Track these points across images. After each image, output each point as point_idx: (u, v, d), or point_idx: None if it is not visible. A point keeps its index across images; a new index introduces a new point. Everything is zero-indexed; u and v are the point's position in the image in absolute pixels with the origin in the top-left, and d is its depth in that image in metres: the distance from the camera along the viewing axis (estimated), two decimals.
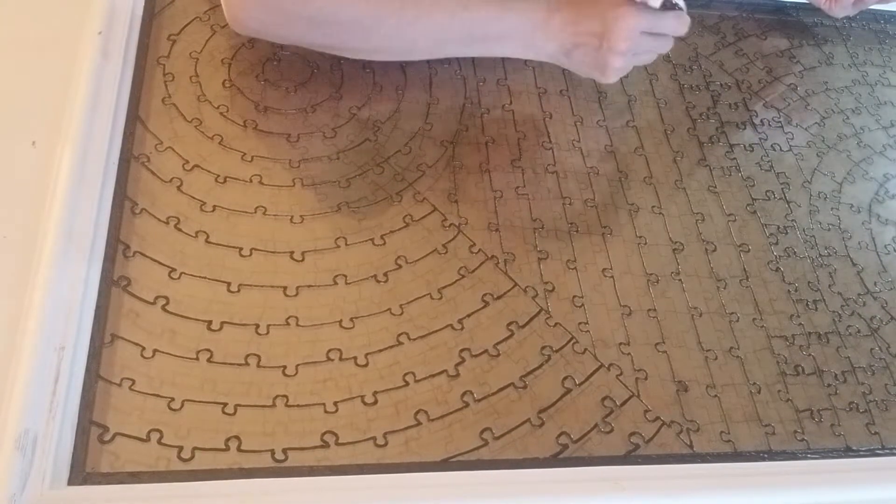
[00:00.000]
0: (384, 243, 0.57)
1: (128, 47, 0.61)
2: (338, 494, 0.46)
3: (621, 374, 0.54)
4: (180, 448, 0.46)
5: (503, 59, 0.69)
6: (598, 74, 0.64)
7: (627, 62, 0.63)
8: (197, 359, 0.49)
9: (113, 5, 0.61)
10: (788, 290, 0.61)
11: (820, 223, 0.66)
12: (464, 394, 0.51)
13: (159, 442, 0.46)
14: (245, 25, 0.59)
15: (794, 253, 0.63)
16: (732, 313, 0.59)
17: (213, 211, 0.56)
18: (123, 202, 0.55)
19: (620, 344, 0.55)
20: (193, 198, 0.56)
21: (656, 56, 0.65)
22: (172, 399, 0.48)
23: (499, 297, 0.56)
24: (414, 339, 0.53)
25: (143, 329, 0.50)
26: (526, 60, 0.69)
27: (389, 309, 0.54)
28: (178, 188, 0.56)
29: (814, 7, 0.81)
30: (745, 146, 0.70)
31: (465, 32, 0.61)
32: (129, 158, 0.57)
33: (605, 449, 0.51)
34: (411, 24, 0.59)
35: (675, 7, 0.60)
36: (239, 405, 0.48)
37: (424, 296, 0.55)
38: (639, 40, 0.61)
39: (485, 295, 0.56)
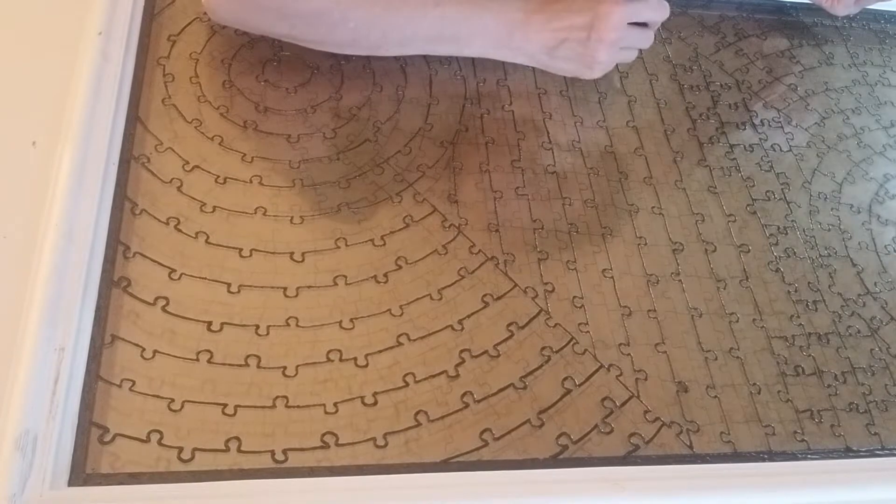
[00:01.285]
0: (384, 244, 0.57)
1: (128, 48, 0.60)
2: (338, 495, 0.46)
3: (621, 374, 0.54)
4: (180, 449, 0.46)
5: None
6: (584, 69, 0.64)
7: (613, 55, 0.63)
8: (197, 359, 0.49)
9: (113, 5, 0.61)
10: (788, 291, 0.61)
11: (820, 223, 0.66)
12: (464, 394, 0.51)
13: (159, 443, 0.46)
14: (217, 14, 0.60)
15: (794, 253, 0.63)
16: (732, 314, 0.59)
17: (213, 211, 0.56)
18: (123, 203, 0.55)
19: (620, 344, 0.55)
20: (193, 198, 0.56)
21: (636, 54, 0.66)
22: (172, 400, 0.48)
23: (499, 298, 0.56)
24: (414, 340, 0.53)
25: (143, 330, 0.50)
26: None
27: (389, 310, 0.54)
28: (179, 189, 0.56)
29: (814, 7, 0.81)
30: (745, 146, 0.70)
31: (436, 31, 0.61)
32: (129, 159, 0.57)
33: (604, 450, 0.51)
34: (379, 19, 0.59)
35: None
36: (239, 406, 0.48)
37: (424, 296, 0.55)
38: (625, 31, 0.62)
39: (485, 295, 0.56)
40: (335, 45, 0.62)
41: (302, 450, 0.47)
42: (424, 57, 0.68)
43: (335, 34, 0.60)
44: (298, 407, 0.49)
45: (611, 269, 0.59)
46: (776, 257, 0.63)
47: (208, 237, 0.55)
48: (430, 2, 0.60)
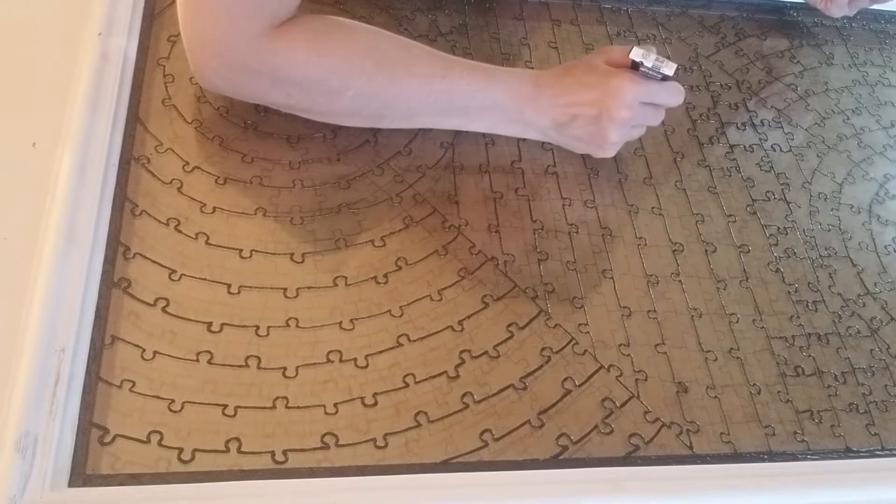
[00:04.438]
0: (384, 245, 0.57)
1: (128, 48, 0.60)
2: (338, 496, 0.46)
3: (621, 375, 0.54)
4: (181, 450, 0.46)
5: (502, 57, 0.70)
6: (595, 148, 0.61)
7: (625, 134, 0.60)
8: (197, 360, 0.49)
9: (113, 6, 0.61)
10: (788, 291, 0.61)
11: (820, 224, 0.66)
12: (464, 395, 0.51)
13: (160, 443, 0.46)
14: (210, 81, 0.56)
15: (794, 254, 0.63)
16: (732, 314, 0.59)
17: (214, 212, 0.56)
18: (124, 204, 0.55)
19: (620, 345, 0.55)
20: (194, 199, 0.56)
21: (644, 131, 0.63)
22: (173, 401, 0.48)
23: (499, 299, 0.56)
24: (414, 341, 0.53)
25: (144, 330, 0.50)
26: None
27: (389, 310, 0.54)
28: (179, 189, 0.56)
29: (813, 7, 0.81)
30: (745, 147, 0.70)
31: (444, 102, 0.58)
32: (129, 160, 0.57)
33: (605, 450, 0.51)
34: (383, 88, 0.56)
35: (670, 76, 0.57)
36: (239, 407, 0.48)
37: (424, 297, 0.55)
38: (638, 110, 0.59)
39: (485, 296, 0.56)
40: (334, 115, 0.59)
41: (302, 450, 0.47)
42: None
43: (334, 103, 0.56)
44: (298, 408, 0.49)
45: (611, 270, 0.59)
46: (776, 258, 0.63)
47: (208, 238, 0.55)
48: (438, 73, 0.57)
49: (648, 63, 0.56)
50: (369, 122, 0.59)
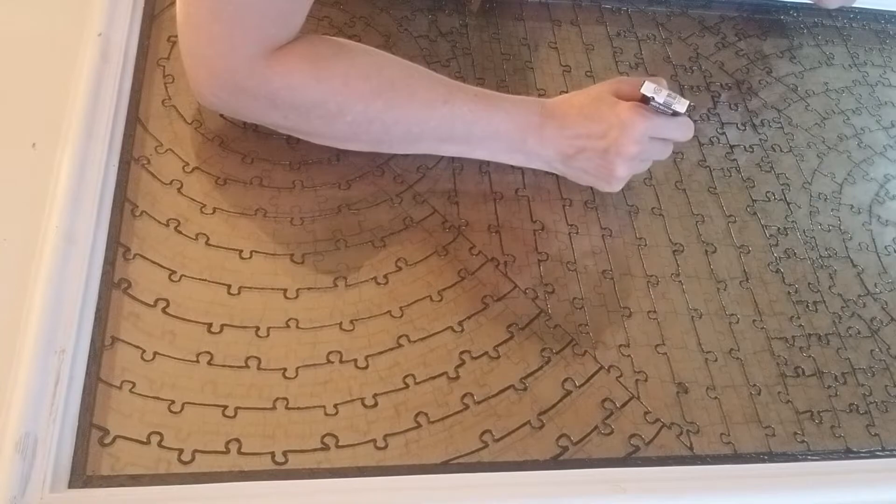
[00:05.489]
0: (384, 245, 0.57)
1: (128, 49, 0.60)
2: (338, 497, 0.46)
3: (621, 375, 0.54)
4: (181, 451, 0.46)
5: (502, 57, 0.70)
6: (602, 182, 0.60)
7: (633, 169, 0.59)
8: (197, 361, 0.49)
9: (113, 7, 0.61)
10: (788, 292, 0.61)
11: (820, 224, 0.66)
12: (464, 396, 0.51)
13: (160, 444, 0.46)
14: (207, 100, 0.55)
15: (795, 254, 0.63)
16: (732, 315, 0.59)
17: (214, 213, 0.56)
18: (123, 204, 0.55)
19: (620, 345, 0.55)
20: (194, 200, 0.56)
21: (651, 164, 0.61)
22: (173, 402, 0.48)
23: (499, 299, 0.56)
24: (414, 342, 0.53)
25: (144, 331, 0.50)
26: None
27: (389, 311, 0.54)
28: (179, 190, 0.56)
29: (814, 7, 0.81)
30: (745, 147, 0.70)
31: (446, 129, 0.57)
32: (129, 160, 0.57)
33: (605, 451, 0.51)
34: (382, 113, 0.54)
35: (682, 112, 0.56)
36: (239, 408, 0.48)
37: (424, 298, 0.55)
38: (647, 145, 0.57)
39: (485, 297, 0.56)
40: (333, 138, 0.58)
41: (302, 451, 0.47)
42: (424, 57, 0.68)
43: (332, 127, 0.55)
44: (298, 408, 0.49)
45: (610, 271, 0.59)
46: (776, 258, 0.63)
47: (208, 239, 0.55)
48: (439, 98, 0.56)
49: (660, 99, 0.55)
50: (369, 146, 0.58)
